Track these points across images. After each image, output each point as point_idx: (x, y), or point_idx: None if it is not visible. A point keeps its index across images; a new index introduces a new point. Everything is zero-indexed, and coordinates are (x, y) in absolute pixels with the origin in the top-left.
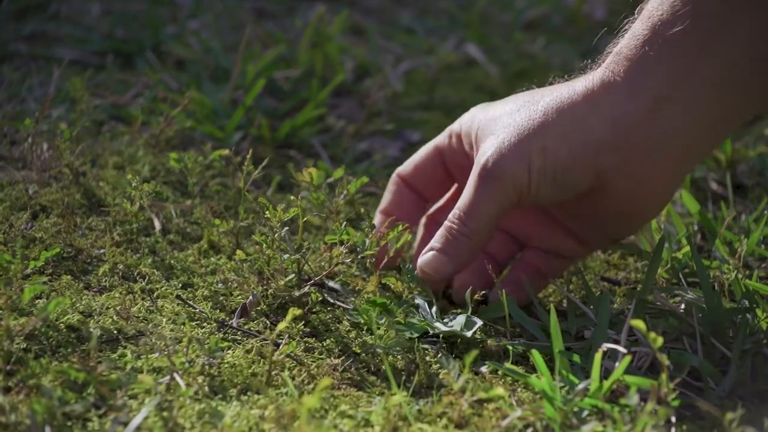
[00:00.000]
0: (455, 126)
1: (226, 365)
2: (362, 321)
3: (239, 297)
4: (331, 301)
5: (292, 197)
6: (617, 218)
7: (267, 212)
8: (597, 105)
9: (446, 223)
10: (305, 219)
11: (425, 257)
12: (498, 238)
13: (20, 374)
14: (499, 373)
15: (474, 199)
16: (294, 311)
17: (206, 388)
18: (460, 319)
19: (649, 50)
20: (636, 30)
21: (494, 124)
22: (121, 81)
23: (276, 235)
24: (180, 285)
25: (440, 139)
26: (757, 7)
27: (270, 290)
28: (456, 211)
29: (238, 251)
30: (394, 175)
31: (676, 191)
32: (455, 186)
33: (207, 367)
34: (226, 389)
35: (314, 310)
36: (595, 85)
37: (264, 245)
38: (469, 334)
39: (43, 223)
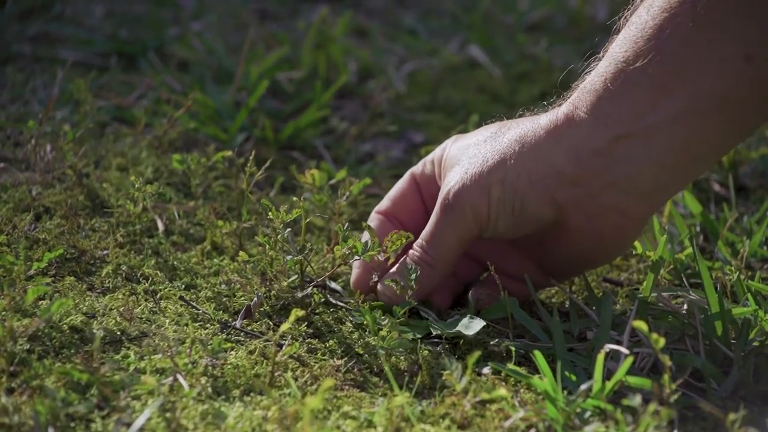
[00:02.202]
0: (430, 156)
1: (229, 366)
2: (365, 322)
3: (242, 298)
4: (334, 302)
5: (294, 198)
6: (579, 254)
7: (270, 213)
8: (559, 138)
9: (410, 251)
10: (308, 220)
11: (388, 285)
12: (463, 262)
13: (23, 375)
14: (502, 374)
15: (436, 229)
16: (297, 312)
17: (209, 389)
18: (464, 320)
19: (611, 87)
20: (600, 68)
21: (461, 155)
22: (124, 83)
23: (279, 236)
24: (183, 286)
25: (416, 167)
26: (718, 49)
27: (273, 291)
28: (420, 240)
29: (241, 252)
30: (373, 214)
31: (639, 235)
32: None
33: (210, 368)
34: (229, 390)
35: (317, 311)
36: (558, 119)
37: (267, 246)
38: (471, 334)
39: (47, 225)
